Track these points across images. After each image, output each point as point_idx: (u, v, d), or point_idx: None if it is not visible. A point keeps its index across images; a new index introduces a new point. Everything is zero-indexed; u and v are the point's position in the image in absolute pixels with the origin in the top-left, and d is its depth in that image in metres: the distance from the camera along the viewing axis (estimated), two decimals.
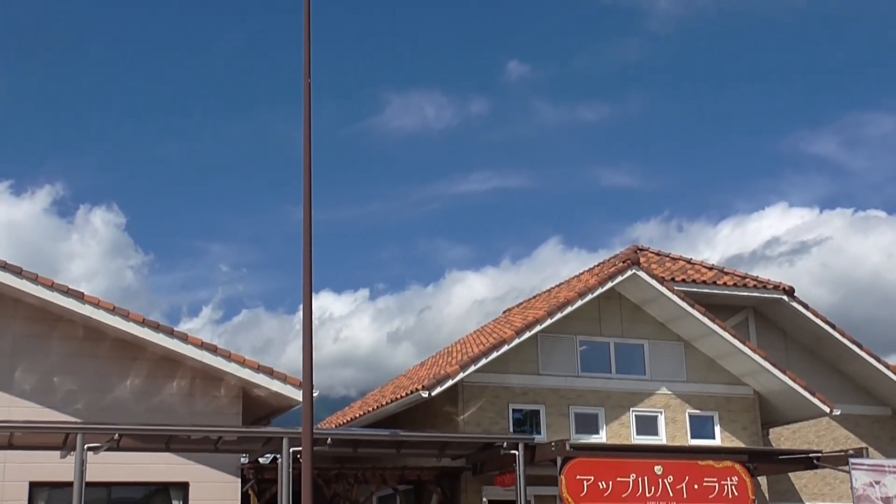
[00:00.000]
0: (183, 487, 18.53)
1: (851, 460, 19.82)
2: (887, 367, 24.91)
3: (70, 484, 15.76)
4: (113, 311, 18.02)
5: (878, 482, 19.59)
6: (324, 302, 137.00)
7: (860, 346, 24.67)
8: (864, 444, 22.90)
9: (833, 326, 24.61)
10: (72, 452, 16.21)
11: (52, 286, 17.73)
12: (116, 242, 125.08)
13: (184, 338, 18.46)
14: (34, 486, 17.74)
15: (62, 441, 16.73)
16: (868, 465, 20.04)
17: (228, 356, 18.63)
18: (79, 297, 17.87)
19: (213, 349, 18.58)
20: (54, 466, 17.05)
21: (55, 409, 17.87)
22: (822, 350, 25.19)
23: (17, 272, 17.61)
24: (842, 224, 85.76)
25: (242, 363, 18.70)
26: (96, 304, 17.96)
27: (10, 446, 16.88)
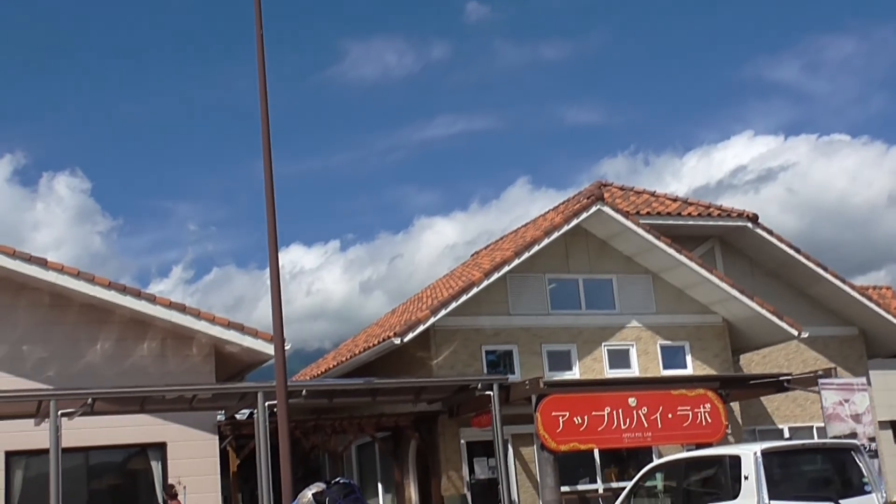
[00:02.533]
0: (160, 448, 18.55)
1: (820, 381, 20.12)
2: (853, 287, 25.20)
3: (46, 451, 15.72)
4: (78, 275, 17.87)
5: (846, 400, 19.91)
6: (294, 255, 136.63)
7: (825, 269, 24.91)
8: (832, 365, 23.23)
9: (798, 251, 24.82)
10: (46, 419, 16.15)
11: (13, 254, 17.55)
12: (83, 208, 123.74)
13: (151, 299, 18.37)
14: (10, 456, 17.72)
15: (35, 409, 16.65)
16: (837, 384, 20.34)
17: (198, 314, 18.57)
18: (42, 263, 17.71)
19: (181, 308, 18.51)
20: (29, 435, 17.02)
21: (27, 378, 17.77)
22: (788, 275, 25.43)
23: None
24: (806, 149, 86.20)
25: (212, 320, 18.65)
26: (60, 270, 17.81)
27: None
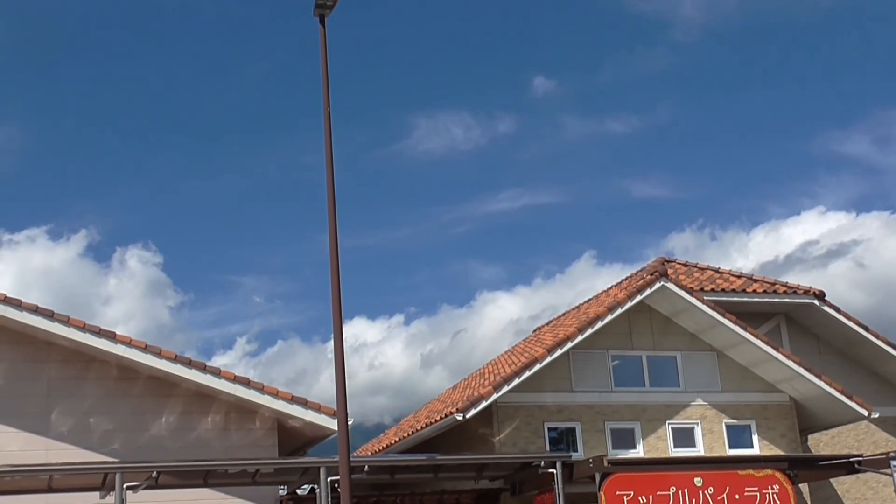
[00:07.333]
0: None
1: (893, 462, 19.59)
2: None
3: None
4: (145, 349, 18.12)
5: None
6: (357, 328, 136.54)
7: (895, 347, 24.44)
8: None
9: (866, 329, 24.42)
10: (111, 492, 16.28)
11: (83, 327, 17.85)
12: (154, 282, 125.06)
13: (216, 372, 18.52)
14: None
15: (101, 482, 16.80)
16: None
17: (261, 388, 18.67)
18: (110, 336, 17.98)
19: (245, 382, 18.63)
20: None
21: (93, 450, 17.95)
22: (857, 353, 24.99)
23: (49, 315, 17.75)
24: (878, 225, 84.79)
25: (276, 395, 18.73)
26: (128, 343, 18.07)
27: (50, 489, 16.97)
